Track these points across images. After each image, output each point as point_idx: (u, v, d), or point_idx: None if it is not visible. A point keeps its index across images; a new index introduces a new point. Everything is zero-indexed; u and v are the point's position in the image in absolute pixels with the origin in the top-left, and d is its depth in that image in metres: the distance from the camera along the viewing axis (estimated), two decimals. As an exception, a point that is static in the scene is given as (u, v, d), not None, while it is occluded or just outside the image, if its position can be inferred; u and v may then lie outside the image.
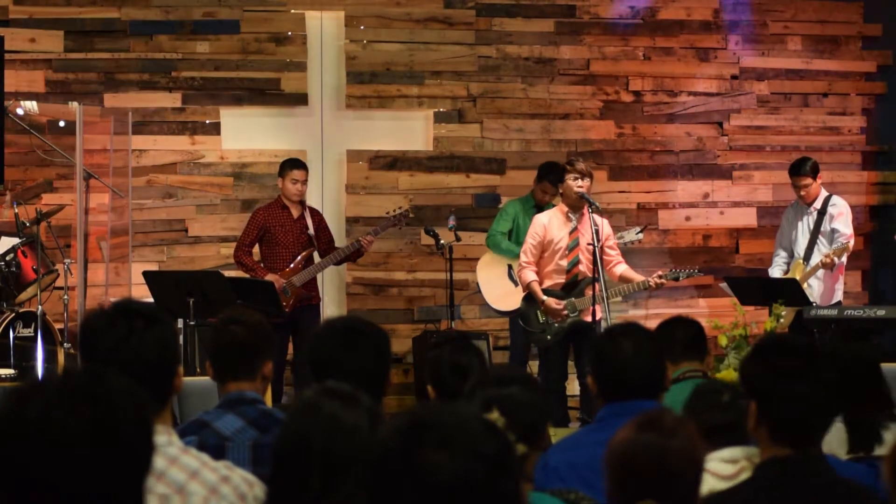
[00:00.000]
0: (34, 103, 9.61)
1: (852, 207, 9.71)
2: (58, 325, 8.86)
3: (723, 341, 7.36)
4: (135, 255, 9.87)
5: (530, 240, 8.57)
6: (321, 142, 10.39)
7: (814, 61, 11.16)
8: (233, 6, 10.29)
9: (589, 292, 8.28)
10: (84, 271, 9.11)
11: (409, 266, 10.50)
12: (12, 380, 8.22)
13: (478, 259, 9.85)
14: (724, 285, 9.45)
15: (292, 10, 10.40)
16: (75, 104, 9.39)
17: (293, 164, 9.22)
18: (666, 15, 10.93)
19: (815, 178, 9.37)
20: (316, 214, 9.39)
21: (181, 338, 8.28)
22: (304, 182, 9.17)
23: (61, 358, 8.58)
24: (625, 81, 10.87)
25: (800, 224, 9.46)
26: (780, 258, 9.56)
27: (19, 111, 9.45)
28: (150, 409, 1.93)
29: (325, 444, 2.59)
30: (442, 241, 9.56)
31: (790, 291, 8.66)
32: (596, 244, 8.09)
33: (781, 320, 7.92)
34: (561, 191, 8.62)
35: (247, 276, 9.08)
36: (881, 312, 8.47)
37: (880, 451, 3.91)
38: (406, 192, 10.45)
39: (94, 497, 1.82)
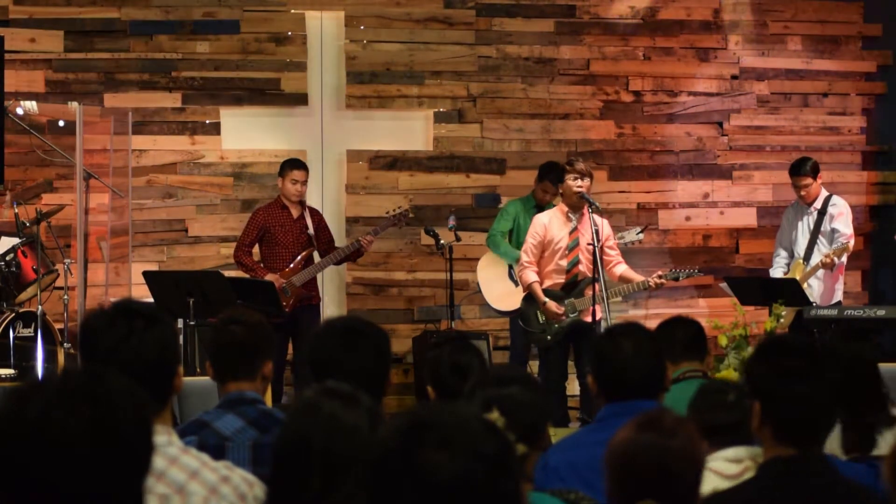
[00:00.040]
0: (34, 103, 9.61)
1: (852, 207, 9.71)
2: (58, 325, 8.86)
3: (723, 341, 7.35)
4: (135, 255, 9.87)
5: (531, 239, 8.57)
6: (321, 142, 10.39)
7: (814, 61, 11.17)
8: (233, 6, 10.29)
9: (589, 292, 8.29)
10: (84, 271, 9.10)
11: (409, 266, 10.50)
12: (12, 380, 8.22)
13: (478, 259, 9.85)
14: (724, 285, 9.45)
15: (292, 10, 10.40)
16: (75, 104, 9.39)
17: (293, 165, 9.22)
18: (666, 15, 10.93)
19: (815, 178, 9.38)
20: (315, 214, 9.39)
21: (181, 338, 8.28)
22: (304, 182, 9.17)
23: (61, 358, 8.58)
24: (625, 81, 10.87)
25: (800, 224, 9.46)
26: (781, 258, 9.56)
27: (19, 111, 9.45)
28: (149, 409, 1.93)
29: (325, 444, 2.59)
30: (442, 241, 9.56)
31: (790, 291, 8.66)
32: (596, 244, 8.09)
33: (781, 320, 7.92)
34: (561, 191, 8.63)
35: (247, 276, 9.08)
36: (881, 312, 8.47)
37: (877, 451, 3.91)
38: (406, 192, 10.45)
39: (93, 497, 1.82)
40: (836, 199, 9.45)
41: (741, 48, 11.03)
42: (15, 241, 8.71)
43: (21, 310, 8.65)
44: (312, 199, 9.80)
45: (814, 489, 2.94)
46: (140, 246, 10.06)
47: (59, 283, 8.94)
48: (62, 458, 1.80)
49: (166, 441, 2.81)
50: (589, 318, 8.21)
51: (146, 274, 8.75)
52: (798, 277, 9.14)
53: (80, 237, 9.15)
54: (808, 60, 11.15)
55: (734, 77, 11.04)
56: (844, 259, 9.27)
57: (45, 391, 1.85)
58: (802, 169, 9.40)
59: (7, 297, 8.65)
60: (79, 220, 9.16)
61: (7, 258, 8.63)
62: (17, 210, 8.88)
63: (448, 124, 10.59)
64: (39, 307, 8.45)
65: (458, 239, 9.65)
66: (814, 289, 9.20)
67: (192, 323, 8.37)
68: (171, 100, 10.21)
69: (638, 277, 8.53)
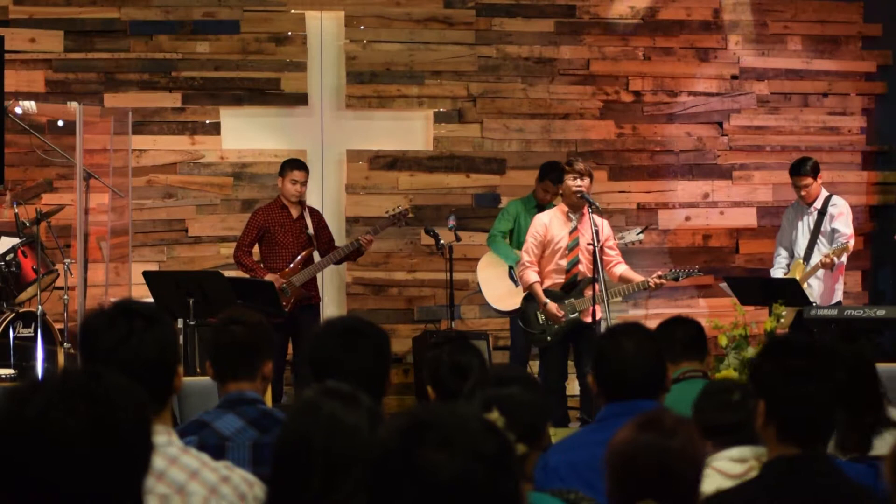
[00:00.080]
0: (32, 103, 9.60)
1: (852, 207, 9.71)
2: (58, 325, 8.86)
3: (723, 341, 7.35)
4: (135, 255, 9.87)
5: (531, 239, 8.57)
6: (321, 142, 10.39)
7: (814, 61, 11.16)
8: (233, 6, 10.29)
9: (588, 292, 8.29)
10: (84, 271, 9.10)
11: (409, 266, 10.50)
12: (12, 380, 8.22)
13: (478, 259, 9.85)
14: (724, 285, 9.45)
15: (292, 10, 10.40)
16: (75, 104, 9.38)
17: (293, 165, 9.23)
18: (666, 15, 10.93)
19: (815, 177, 9.38)
20: (315, 214, 9.39)
21: (181, 338, 8.28)
22: (304, 183, 9.17)
23: (61, 358, 8.58)
24: (625, 81, 10.87)
25: (800, 224, 9.46)
26: (782, 258, 9.56)
27: (18, 110, 9.44)
28: (149, 409, 1.93)
29: (325, 444, 2.58)
30: (442, 241, 9.56)
31: (790, 291, 8.66)
32: (596, 244, 8.09)
33: (781, 320, 7.92)
34: (560, 191, 8.64)
35: (247, 276, 9.08)
36: (881, 312, 8.47)
37: (877, 452, 3.91)
38: (406, 192, 10.45)
39: (93, 497, 1.82)
40: (836, 199, 9.45)
41: (741, 48, 11.03)
42: (15, 241, 8.71)
43: (21, 310, 8.65)
44: (312, 199, 9.80)
45: (817, 489, 2.93)
46: (140, 246, 10.06)
47: (59, 283, 8.94)
48: (62, 458, 1.80)
49: (166, 441, 2.81)
50: (589, 318, 8.21)
51: (146, 274, 8.75)
52: (798, 277, 9.14)
53: (80, 237, 9.15)
54: (808, 60, 11.15)
55: (734, 77, 11.04)
56: (844, 259, 9.27)
57: (45, 391, 1.85)
58: (803, 169, 9.40)
59: (7, 297, 8.65)
60: (79, 220, 9.16)
61: (7, 258, 8.63)
62: (17, 210, 8.88)
63: (448, 124, 10.58)
64: (39, 307, 8.45)
65: (458, 239, 9.65)
66: (814, 289, 9.20)
67: (192, 323, 8.36)
68: (171, 100, 10.21)
69: (638, 277, 8.54)
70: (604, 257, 8.34)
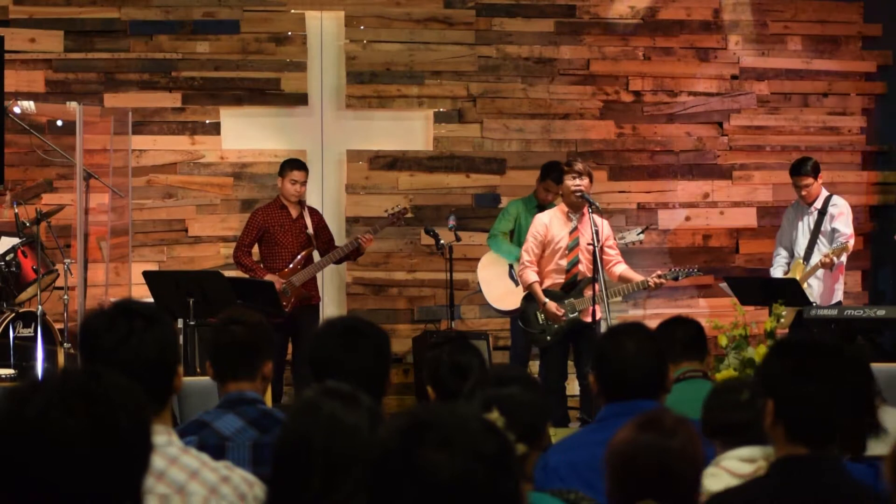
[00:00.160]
0: (31, 103, 9.60)
1: (852, 207, 9.70)
2: (58, 325, 8.86)
3: (723, 341, 7.35)
4: (135, 255, 9.87)
5: (531, 239, 8.58)
6: (321, 142, 10.39)
7: (814, 61, 11.16)
8: (233, 6, 10.29)
9: (588, 292, 8.29)
10: (84, 271, 9.10)
11: (409, 266, 10.50)
12: (12, 380, 8.22)
13: (478, 259, 9.85)
14: (724, 285, 9.45)
15: (292, 10, 10.39)
16: (75, 104, 9.38)
17: (293, 165, 9.23)
18: (666, 15, 10.92)
19: (815, 177, 9.38)
20: (315, 214, 9.39)
21: (181, 338, 8.28)
22: (304, 183, 9.18)
23: (61, 358, 8.58)
24: (625, 81, 10.87)
25: (800, 224, 9.46)
26: (781, 258, 9.56)
27: (16, 110, 9.43)
28: (148, 409, 1.93)
29: (325, 444, 2.59)
30: (442, 241, 9.56)
31: (790, 291, 8.66)
32: (596, 244, 8.09)
33: (781, 320, 7.92)
34: (560, 191, 8.65)
35: (246, 276, 9.08)
36: (881, 312, 8.47)
37: (876, 452, 3.91)
38: (406, 192, 10.45)
39: (93, 496, 1.82)
40: (836, 198, 9.45)
41: (741, 48, 11.03)
42: (15, 241, 8.71)
43: (21, 310, 8.65)
44: (312, 199, 9.81)
45: (824, 489, 2.93)
46: (140, 246, 10.06)
47: (59, 283, 8.94)
48: (61, 458, 1.80)
49: (166, 441, 2.80)
50: (589, 318, 8.21)
51: (146, 274, 8.75)
52: (798, 277, 9.14)
53: (80, 237, 9.15)
54: (808, 60, 11.15)
55: (734, 77, 11.04)
56: (844, 259, 9.27)
57: (45, 391, 1.85)
58: (803, 169, 9.40)
59: (7, 297, 8.66)
60: (79, 220, 9.16)
61: (7, 258, 8.63)
62: (17, 210, 8.88)
63: (448, 124, 10.58)
64: (39, 307, 8.45)
65: (458, 239, 9.65)
66: (814, 289, 9.20)
67: (192, 323, 8.37)
68: (171, 100, 10.21)
69: (637, 277, 8.54)
70: (604, 257, 8.34)
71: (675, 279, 8.67)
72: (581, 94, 10.79)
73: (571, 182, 8.37)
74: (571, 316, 8.45)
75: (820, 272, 9.19)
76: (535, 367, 9.08)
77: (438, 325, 10.21)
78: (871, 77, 11.25)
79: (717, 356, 7.29)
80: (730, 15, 11.01)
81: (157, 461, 2.65)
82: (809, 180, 9.35)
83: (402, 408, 8.81)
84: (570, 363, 8.77)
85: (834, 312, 8.58)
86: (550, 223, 8.54)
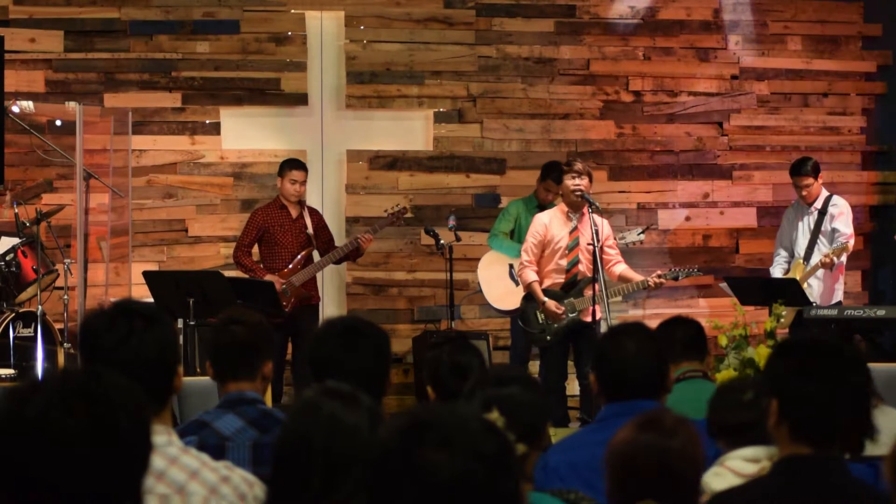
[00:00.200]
0: (30, 103, 9.60)
1: (852, 207, 9.70)
2: (58, 325, 8.86)
3: (723, 341, 7.34)
4: (135, 255, 9.87)
5: (531, 238, 8.58)
6: (321, 142, 10.39)
7: (814, 61, 11.16)
8: (233, 6, 10.29)
9: (588, 292, 8.29)
10: (84, 271, 9.10)
11: (409, 266, 10.50)
12: (12, 380, 8.22)
13: (478, 259, 9.85)
14: (724, 285, 9.45)
15: (292, 10, 10.39)
16: (75, 104, 9.38)
17: (293, 165, 9.23)
18: (666, 15, 10.92)
19: (815, 177, 9.38)
20: (315, 214, 9.39)
21: (181, 338, 8.28)
22: (303, 183, 9.17)
23: (61, 358, 8.58)
24: (625, 81, 10.87)
25: (800, 224, 9.46)
26: (781, 258, 9.56)
27: (15, 109, 9.43)
28: (148, 409, 1.93)
29: (325, 444, 2.58)
30: (442, 241, 9.57)
31: (790, 291, 8.65)
32: (596, 244, 8.09)
33: (781, 320, 7.91)
34: (560, 191, 8.65)
35: (246, 276, 9.08)
36: (881, 312, 8.47)
37: (875, 452, 3.91)
38: (406, 192, 10.45)
39: (93, 496, 1.82)
40: (836, 198, 9.45)
41: (741, 48, 11.03)
42: (15, 241, 8.71)
43: (21, 310, 8.65)
44: (312, 199, 9.81)
45: (827, 489, 2.92)
46: (140, 246, 10.06)
47: (59, 283, 8.94)
48: (61, 458, 1.80)
49: (166, 441, 2.80)
50: (589, 318, 8.21)
51: (146, 274, 8.75)
52: (798, 277, 9.14)
53: (80, 237, 9.15)
54: (808, 60, 11.15)
55: (734, 77, 11.04)
56: (844, 259, 9.27)
57: (45, 391, 1.85)
58: (803, 169, 9.40)
59: (7, 297, 8.65)
60: (79, 220, 9.16)
61: (7, 258, 8.63)
62: (17, 210, 8.88)
63: (448, 124, 10.58)
64: (39, 307, 8.45)
65: (458, 239, 9.65)
66: (814, 289, 9.20)
67: (192, 323, 8.37)
68: (171, 100, 10.21)
69: (637, 277, 8.54)
70: (603, 257, 8.34)
71: (675, 279, 8.67)
72: (581, 94, 10.79)
73: (571, 182, 8.38)
74: (571, 316, 8.45)
75: (820, 272, 9.19)
76: (535, 367, 9.08)
77: (438, 325, 10.21)
78: (871, 77, 11.25)
79: (717, 356, 7.28)
80: (730, 15, 11.01)
81: (157, 461, 2.65)
82: (809, 180, 9.35)
83: (402, 408, 8.81)
84: (571, 363, 8.77)
85: (834, 312, 8.58)
86: (550, 223, 8.54)
